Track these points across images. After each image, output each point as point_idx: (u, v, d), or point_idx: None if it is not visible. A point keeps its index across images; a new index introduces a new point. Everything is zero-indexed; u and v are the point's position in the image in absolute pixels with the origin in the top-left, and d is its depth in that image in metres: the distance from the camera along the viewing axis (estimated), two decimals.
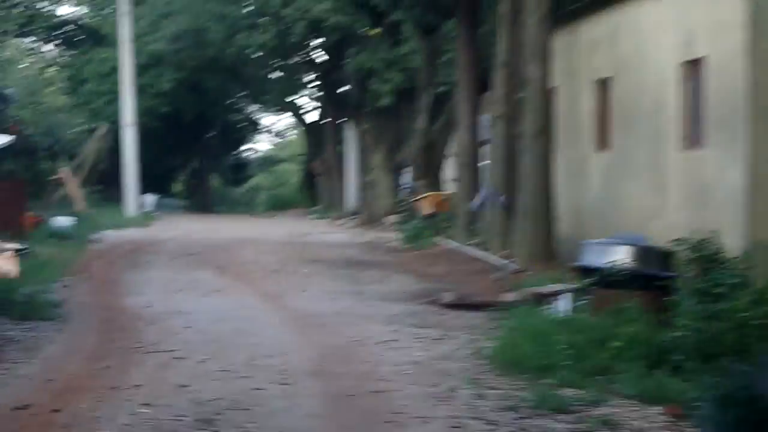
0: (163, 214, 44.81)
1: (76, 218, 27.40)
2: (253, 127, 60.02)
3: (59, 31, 47.01)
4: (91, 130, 37.07)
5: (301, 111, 48.71)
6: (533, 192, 18.05)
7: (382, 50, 33.25)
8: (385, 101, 33.47)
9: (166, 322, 12.49)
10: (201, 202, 57.36)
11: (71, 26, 47.74)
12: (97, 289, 15.69)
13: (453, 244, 21.99)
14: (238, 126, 58.86)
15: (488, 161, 21.91)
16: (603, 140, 19.59)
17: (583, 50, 20.35)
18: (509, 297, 14.56)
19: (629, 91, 18.59)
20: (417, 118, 25.86)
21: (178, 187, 64.17)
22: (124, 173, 37.03)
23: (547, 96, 18.03)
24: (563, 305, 13.07)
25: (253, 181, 70.22)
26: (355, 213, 37.65)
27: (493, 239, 20.25)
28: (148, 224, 33.03)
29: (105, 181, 51.87)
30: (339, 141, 41.13)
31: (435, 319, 13.57)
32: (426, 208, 24.09)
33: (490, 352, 10.81)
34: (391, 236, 28.27)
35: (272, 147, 71.43)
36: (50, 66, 29.78)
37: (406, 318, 13.53)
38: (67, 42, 48.25)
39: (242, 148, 63.27)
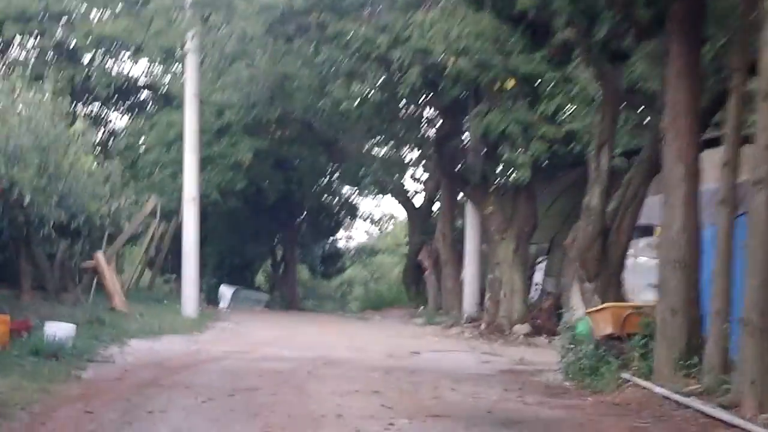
0: (236, 312, 37.09)
1: (96, 321, 19.73)
2: (348, 212, 52.02)
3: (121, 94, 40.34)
4: (138, 205, 29.36)
5: (407, 192, 40.51)
6: None
7: (518, 109, 25.16)
8: (522, 176, 25.30)
9: None
10: (286, 296, 49.60)
11: (136, 87, 41.11)
12: None
13: (657, 390, 13.50)
14: (331, 210, 51.08)
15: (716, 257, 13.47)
16: None
17: None
18: None
19: None
20: (588, 193, 17.54)
21: (261, 278, 56.61)
22: (183, 261, 29.26)
23: None
24: None
25: (346, 274, 62.35)
26: (473, 319, 29.25)
27: (740, 386, 11.80)
28: (205, 328, 25.06)
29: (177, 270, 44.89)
30: (454, 228, 32.89)
31: None
32: (603, 325, 15.63)
33: None
34: (538, 358, 19.97)
35: (369, 236, 63.33)
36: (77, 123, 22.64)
37: None
38: (132, 106, 41.44)
39: (335, 236, 55.20)
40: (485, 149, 27.96)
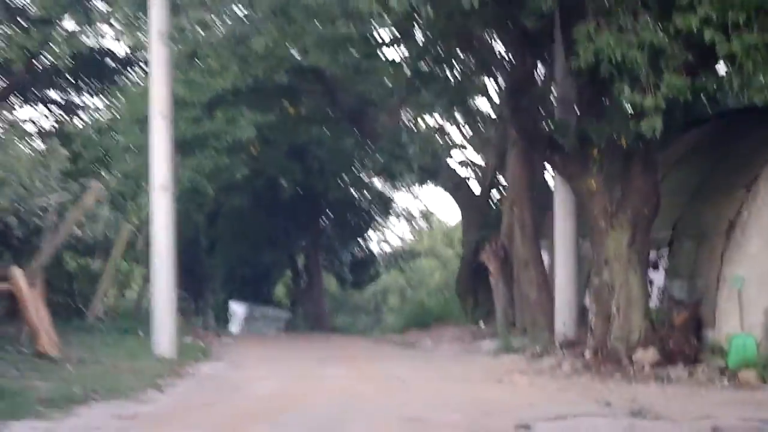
0: (243, 340, 28.68)
1: None
2: (381, 208, 43.32)
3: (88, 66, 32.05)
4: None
5: (459, 177, 31.57)
6: None
7: (642, 27, 16.29)
8: (651, 128, 16.36)
9: None
10: (311, 313, 41.19)
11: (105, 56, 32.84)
12: None
13: None
14: (360, 206, 42.49)
15: None
16: None
17: None
18: None
19: None
20: None
21: (281, 291, 48.12)
22: (153, 272, 20.46)
23: None
24: None
25: (380, 282, 53.56)
26: (571, 343, 20.45)
27: None
28: (174, 380, 16.27)
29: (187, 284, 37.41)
30: (535, 215, 23.82)
31: None
32: None
33: None
34: (729, 413, 11.37)
35: (402, 238, 54.36)
36: None
37: None
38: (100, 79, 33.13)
39: (366, 237, 46.31)
40: (584, 96, 19.07)
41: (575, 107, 19.93)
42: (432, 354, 22.91)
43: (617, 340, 18.69)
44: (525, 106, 20.18)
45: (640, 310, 18.84)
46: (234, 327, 38.49)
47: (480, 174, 31.71)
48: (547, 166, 23.85)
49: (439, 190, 37.92)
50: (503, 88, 20.37)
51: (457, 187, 30.72)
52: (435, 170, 30.68)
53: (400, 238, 52.84)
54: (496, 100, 27.45)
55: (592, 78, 17.87)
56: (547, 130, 20.19)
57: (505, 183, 28.04)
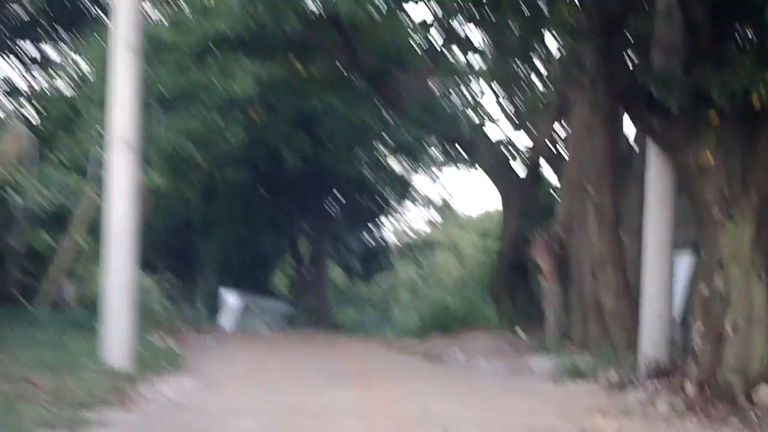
0: (233, 340, 23.92)
1: None
2: (399, 191, 38.56)
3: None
4: None
5: (504, 157, 26.43)
6: None
7: None
8: None
9: None
10: (314, 308, 36.56)
11: None
12: None
13: None
14: (376, 189, 37.76)
15: None
16: None
17: None
18: None
19: None
20: None
21: (279, 282, 43.34)
22: (108, 253, 15.34)
23: None
24: None
25: (391, 275, 48.79)
26: (663, 371, 15.36)
27: None
28: (111, 412, 11.20)
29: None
30: (614, 198, 18.48)
31: None
32: None
33: None
34: None
35: (422, 225, 49.60)
36: None
37: None
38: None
39: (379, 224, 41.61)
40: (701, 37, 13.90)
41: (683, 54, 14.77)
42: (469, 373, 17.82)
43: (732, 371, 13.71)
44: (618, 49, 14.93)
45: (765, 331, 13.80)
46: (226, 320, 33.68)
47: (524, 154, 26.61)
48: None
49: (471, 172, 32.91)
50: (588, 26, 15.06)
51: (499, 166, 25.60)
52: (473, 145, 25.62)
53: (415, 227, 48.07)
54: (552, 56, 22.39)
55: (721, 8, 12.74)
56: (645, 84, 14.96)
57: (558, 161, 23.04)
